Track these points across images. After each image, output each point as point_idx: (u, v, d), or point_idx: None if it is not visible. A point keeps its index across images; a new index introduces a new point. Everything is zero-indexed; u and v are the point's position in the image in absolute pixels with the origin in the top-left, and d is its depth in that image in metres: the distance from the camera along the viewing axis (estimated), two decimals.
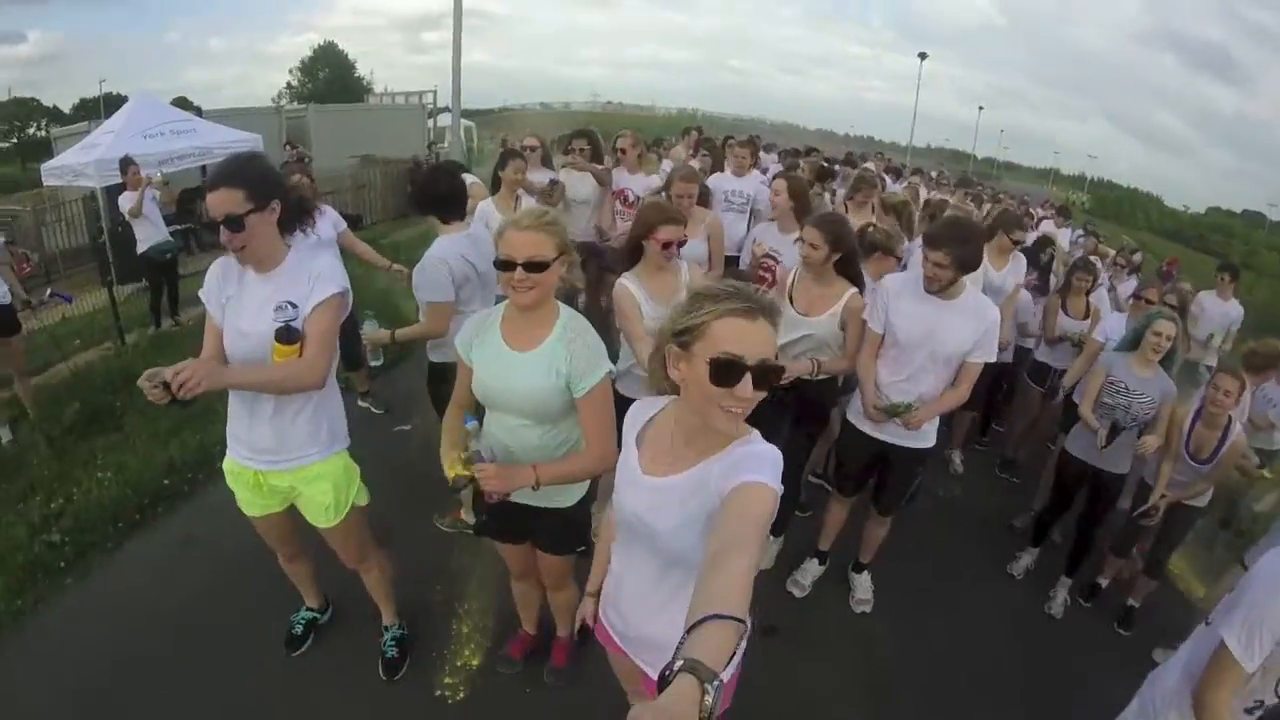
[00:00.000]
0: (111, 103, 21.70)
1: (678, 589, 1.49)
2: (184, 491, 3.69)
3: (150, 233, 6.86)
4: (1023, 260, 4.33)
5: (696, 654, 0.83)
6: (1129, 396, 3.26)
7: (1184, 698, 1.74)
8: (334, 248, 4.18)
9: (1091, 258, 5.59)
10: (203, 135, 9.68)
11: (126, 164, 6.78)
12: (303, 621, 2.77)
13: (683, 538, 1.40)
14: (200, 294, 2.12)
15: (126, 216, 6.76)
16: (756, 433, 1.41)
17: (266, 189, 1.97)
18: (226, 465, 2.29)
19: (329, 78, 37.25)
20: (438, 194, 3.01)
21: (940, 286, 2.72)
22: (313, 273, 2.07)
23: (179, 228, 8.44)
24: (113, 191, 7.73)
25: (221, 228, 1.91)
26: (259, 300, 2.04)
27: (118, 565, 3.19)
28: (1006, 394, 4.99)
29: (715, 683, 0.79)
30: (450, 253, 2.91)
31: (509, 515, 2.15)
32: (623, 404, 2.74)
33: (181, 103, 12.44)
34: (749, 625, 0.91)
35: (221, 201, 1.90)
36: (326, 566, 2.65)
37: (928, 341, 2.79)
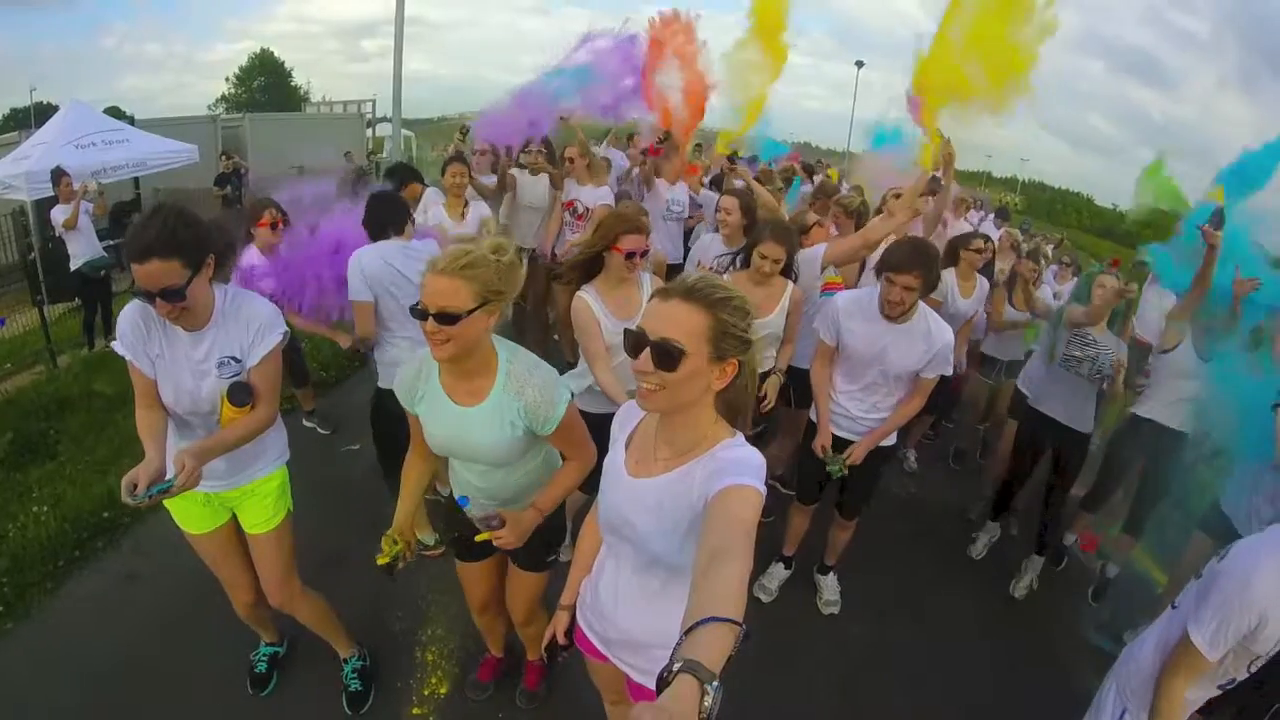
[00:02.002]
0: (42, 112, 20.73)
1: (660, 589, 1.51)
2: (125, 524, 3.50)
3: (83, 248, 6.58)
4: (985, 284, 4.34)
5: (695, 655, 0.83)
6: (1096, 348, 3.34)
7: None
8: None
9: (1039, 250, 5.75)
10: (137, 145, 9.35)
11: (59, 176, 6.50)
12: (265, 658, 2.66)
13: (664, 538, 1.41)
14: (116, 347, 1.94)
15: (60, 230, 6.47)
16: (740, 435, 1.42)
17: (201, 249, 1.82)
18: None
19: (265, 86, 36.17)
20: (379, 217, 3.07)
21: (903, 311, 2.73)
22: (251, 323, 1.98)
23: (112, 243, 8.11)
24: (43, 205, 7.40)
25: (158, 300, 1.77)
26: (196, 358, 1.95)
27: (60, 607, 3.02)
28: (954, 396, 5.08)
29: (715, 684, 0.79)
30: (370, 255, 2.94)
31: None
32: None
33: (114, 112, 12.00)
34: (744, 628, 0.92)
35: (156, 274, 1.73)
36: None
37: (878, 361, 2.84)
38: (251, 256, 3.58)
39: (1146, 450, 3.42)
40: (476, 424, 1.87)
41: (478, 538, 1.90)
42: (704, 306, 1.31)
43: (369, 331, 2.99)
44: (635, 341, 1.32)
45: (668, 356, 1.29)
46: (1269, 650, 1.66)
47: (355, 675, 2.62)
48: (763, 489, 1.27)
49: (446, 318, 1.68)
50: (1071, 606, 3.62)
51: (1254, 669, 1.74)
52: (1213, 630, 1.63)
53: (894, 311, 2.73)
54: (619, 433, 1.61)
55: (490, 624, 2.56)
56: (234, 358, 1.96)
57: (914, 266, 2.64)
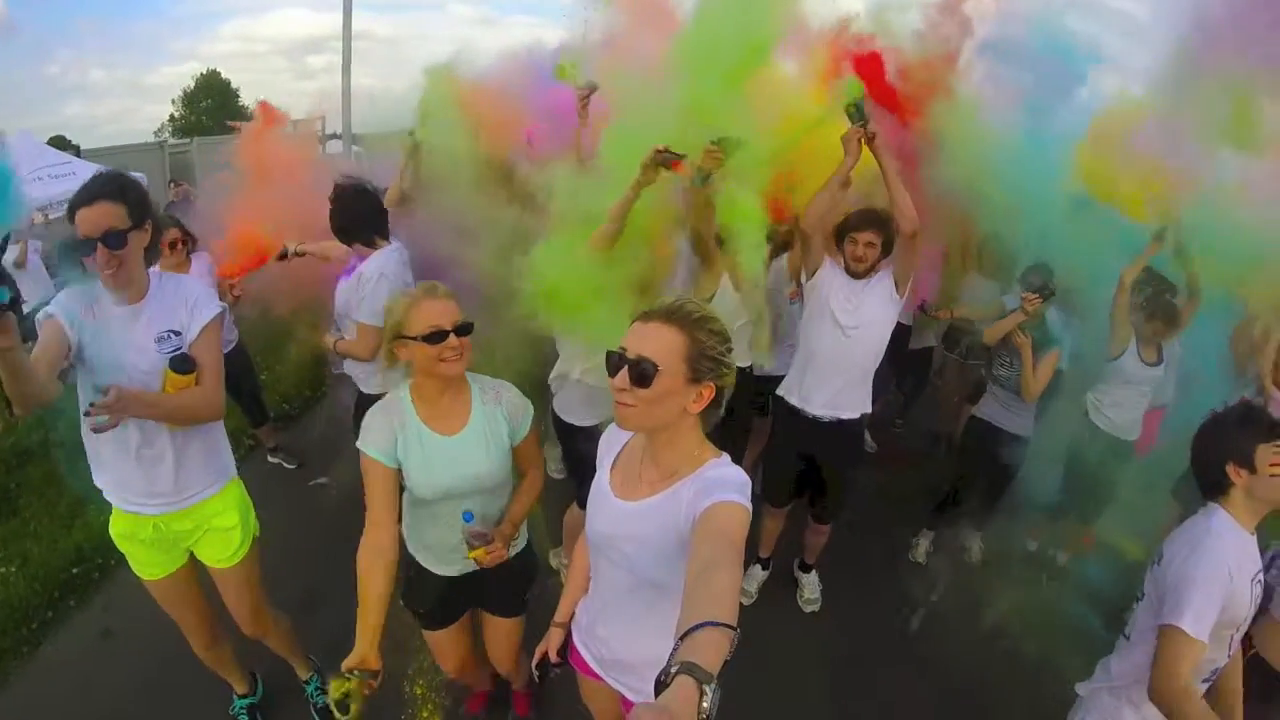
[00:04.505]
0: None
1: (649, 609, 1.52)
2: (95, 579, 3.44)
3: (35, 289, 6.37)
4: None
5: (692, 657, 0.85)
6: (1010, 369, 3.48)
7: None
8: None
9: None
10: (83, 178, 9.00)
11: None
12: (244, 709, 2.63)
13: (653, 559, 1.43)
14: (51, 308, 1.87)
15: (9, 270, 6.26)
16: (725, 456, 1.45)
17: (143, 208, 1.90)
18: (118, 526, 2.13)
19: (212, 108, 35.08)
20: (364, 215, 2.86)
21: (867, 267, 2.90)
22: (188, 299, 2.01)
23: (61, 279, 7.90)
24: None
25: (100, 245, 1.79)
26: (133, 333, 1.93)
27: (38, 670, 2.96)
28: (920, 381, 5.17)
29: (712, 685, 0.81)
30: (388, 267, 2.81)
31: (455, 592, 2.11)
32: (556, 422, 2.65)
33: (59, 141, 11.68)
34: (738, 633, 0.95)
35: (102, 216, 1.79)
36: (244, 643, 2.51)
37: (853, 315, 2.95)
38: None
39: (1097, 457, 3.48)
40: (470, 448, 1.94)
41: (469, 554, 1.91)
42: (681, 327, 1.35)
43: (372, 357, 2.74)
44: (616, 360, 1.36)
45: (642, 374, 1.32)
46: (1244, 616, 1.74)
47: (321, 691, 2.66)
48: (748, 505, 1.31)
49: (466, 329, 1.86)
50: (1044, 594, 3.64)
51: (1233, 648, 1.81)
52: (1195, 612, 1.65)
53: (859, 267, 2.91)
54: (605, 455, 1.63)
55: (472, 676, 2.55)
56: (173, 331, 1.97)
57: (870, 226, 2.89)
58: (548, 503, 3.05)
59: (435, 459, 1.92)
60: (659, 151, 2.15)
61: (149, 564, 2.18)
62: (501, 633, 2.29)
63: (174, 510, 2.10)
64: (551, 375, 2.86)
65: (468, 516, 1.92)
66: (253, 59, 69.02)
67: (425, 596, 2.15)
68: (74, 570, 3.45)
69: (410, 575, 2.15)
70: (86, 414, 1.72)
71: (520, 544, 2.18)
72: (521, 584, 2.24)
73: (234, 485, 2.25)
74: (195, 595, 2.30)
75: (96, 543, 3.59)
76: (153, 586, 2.23)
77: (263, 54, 71.39)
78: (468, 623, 2.31)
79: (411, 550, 2.12)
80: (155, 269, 2.03)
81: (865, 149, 2.75)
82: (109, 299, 1.92)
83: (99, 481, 2.07)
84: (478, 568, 1.94)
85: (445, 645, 2.30)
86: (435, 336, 1.82)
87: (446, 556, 2.06)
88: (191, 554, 2.24)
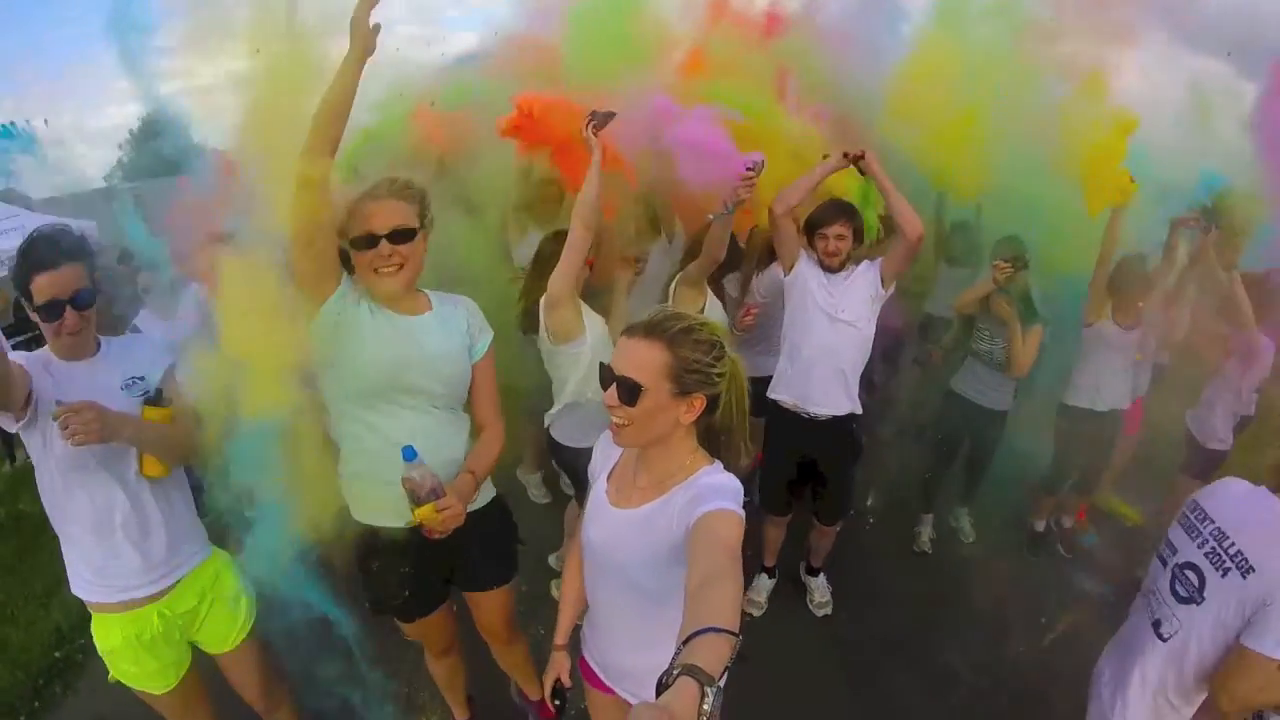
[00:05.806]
0: None
1: (644, 617, 1.52)
2: (78, 661, 3.27)
3: None
4: None
5: (694, 661, 0.86)
6: (991, 343, 3.45)
7: None
8: None
9: None
10: (31, 230, 8.81)
11: None
12: None
13: (646, 567, 1.44)
14: (20, 356, 1.82)
15: None
16: (718, 463, 1.47)
17: (94, 261, 1.88)
18: (115, 636, 1.93)
19: (162, 147, 34.27)
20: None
21: (841, 261, 2.88)
22: (146, 345, 2.05)
23: (20, 339, 7.58)
24: None
25: (69, 307, 1.78)
26: (95, 381, 1.85)
27: None
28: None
29: (714, 688, 0.82)
30: None
31: (430, 566, 1.91)
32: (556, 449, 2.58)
33: (6, 195, 11.28)
34: (740, 640, 0.96)
35: (71, 278, 1.78)
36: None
37: (834, 309, 2.91)
38: (154, 325, 3.29)
39: (1083, 434, 3.51)
40: (430, 330, 1.81)
41: (415, 512, 1.63)
42: (663, 342, 1.36)
43: None
44: (608, 375, 1.39)
45: (628, 392, 1.35)
46: None
47: None
48: (741, 512, 1.31)
49: (401, 235, 1.69)
50: (1047, 574, 3.69)
51: None
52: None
53: (833, 261, 2.88)
54: (602, 465, 1.64)
55: (451, 672, 2.40)
56: (138, 377, 1.94)
57: (838, 218, 2.86)
58: (534, 535, 2.97)
59: (387, 331, 1.74)
60: (593, 113, 2.21)
61: (158, 673, 2.01)
62: (492, 605, 2.13)
63: (171, 581, 1.97)
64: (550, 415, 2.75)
65: (408, 453, 1.61)
66: (199, 94, 67.44)
67: (390, 587, 1.92)
68: (56, 654, 3.29)
69: (367, 565, 1.94)
70: (56, 417, 1.61)
71: (484, 498, 1.99)
72: (502, 550, 2.07)
73: (218, 551, 2.14)
74: (205, 697, 2.17)
75: (76, 620, 3.43)
76: (163, 701, 2.06)
77: (211, 88, 69.95)
78: (446, 609, 2.15)
79: (352, 508, 1.89)
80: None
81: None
82: (59, 364, 1.86)
83: (77, 577, 1.93)
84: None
85: (425, 626, 2.12)
86: (365, 242, 1.67)
87: (391, 502, 1.74)
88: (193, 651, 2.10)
